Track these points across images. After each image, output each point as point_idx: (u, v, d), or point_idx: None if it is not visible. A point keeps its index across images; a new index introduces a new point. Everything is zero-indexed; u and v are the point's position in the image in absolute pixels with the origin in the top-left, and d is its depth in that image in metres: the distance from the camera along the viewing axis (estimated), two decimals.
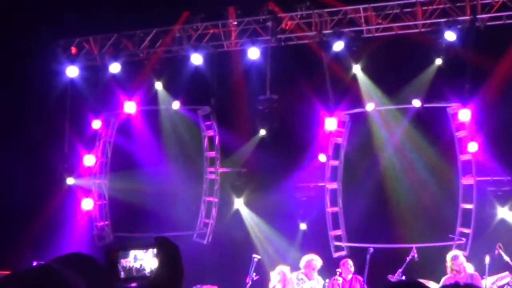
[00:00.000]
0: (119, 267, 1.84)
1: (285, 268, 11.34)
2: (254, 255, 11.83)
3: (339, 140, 14.33)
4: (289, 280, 11.12)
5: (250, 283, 11.42)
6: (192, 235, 14.41)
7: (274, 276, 11.24)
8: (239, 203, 14.52)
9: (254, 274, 11.50)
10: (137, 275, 1.83)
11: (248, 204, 14.48)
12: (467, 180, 13.33)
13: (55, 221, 14.28)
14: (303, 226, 14.03)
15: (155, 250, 1.82)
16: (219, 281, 12.59)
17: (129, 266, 1.84)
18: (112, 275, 1.83)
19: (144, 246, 1.86)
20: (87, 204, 14.85)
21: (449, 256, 10.78)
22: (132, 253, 1.85)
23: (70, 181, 14.82)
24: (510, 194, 12.90)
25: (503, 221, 12.97)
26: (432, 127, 13.76)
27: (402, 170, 13.72)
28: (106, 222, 14.90)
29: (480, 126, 13.15)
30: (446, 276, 10.51)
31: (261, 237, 14.10)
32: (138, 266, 1.83)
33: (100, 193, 15.08)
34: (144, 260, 1.84)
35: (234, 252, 13.20)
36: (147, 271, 1.83)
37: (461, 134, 13.41)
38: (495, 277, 10.81)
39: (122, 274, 1.83)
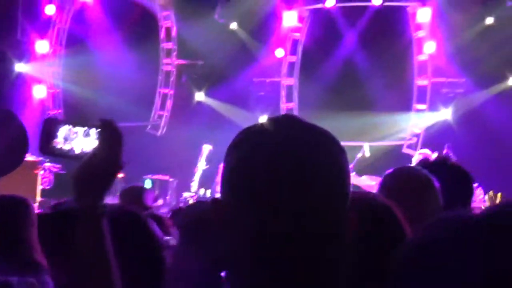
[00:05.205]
0: (53, 140, 1.71)
1: None
2: (204, 146, 11.84)
3: (298, 35, 14.16)
4: None
5: (201, 172, 11.46)
6: (146, 127, 14.36)
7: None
8: (199, 96, 14.38)
9: (205, 163, 11.54)
10: (68, 154, 1.72)
11: (206, 96, 14.38)
12: (422, 81, 13.38)
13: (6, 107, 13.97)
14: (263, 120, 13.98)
15: (89, 130, 1.68)
16: (171, 171, 12.64)
17: (60, 147, 1.70)
18: (44, 144, 1.71)
19: (77, 123, 1.71)
20: (39, 91, 14.50)
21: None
22: (62, 130, 1.70)
23: (21, 67, 14.36)
24: (462, 96, 13.00)
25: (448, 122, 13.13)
26: (391, 27, 13.66)
27: (359, 69, 13.67)
28: (59, 110, 14.67)
29: (439, 26, 13.07)
30: None
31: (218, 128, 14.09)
32: (68, 148, 1.70)
33: (53, 81, 14.77)
34: (75, 140, 1.69)
35: (189, 144, 13.15)
36: (77, 151, 1.69)
37: (419, 34, 13.34)
38: None
39: (54, 148, 1.73)
